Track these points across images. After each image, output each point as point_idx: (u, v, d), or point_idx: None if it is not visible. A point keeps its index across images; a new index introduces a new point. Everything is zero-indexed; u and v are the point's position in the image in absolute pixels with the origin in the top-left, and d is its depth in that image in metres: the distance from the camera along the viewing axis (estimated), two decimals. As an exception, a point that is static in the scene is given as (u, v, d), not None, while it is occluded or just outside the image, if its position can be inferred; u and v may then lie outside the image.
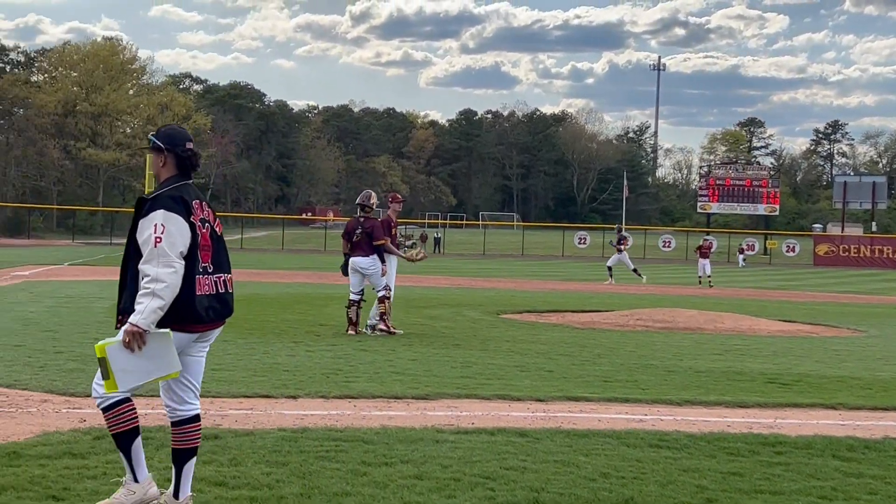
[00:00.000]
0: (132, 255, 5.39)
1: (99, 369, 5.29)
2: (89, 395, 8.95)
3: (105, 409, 5.45)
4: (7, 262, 37.09)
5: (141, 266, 5.32)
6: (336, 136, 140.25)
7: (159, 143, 5.59)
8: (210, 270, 5.57)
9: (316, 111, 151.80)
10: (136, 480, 5.56)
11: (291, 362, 11.73)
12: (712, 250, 45.12)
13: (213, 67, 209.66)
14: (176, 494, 5.57)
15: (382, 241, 15.30)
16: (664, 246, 77.08)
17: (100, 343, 5.28)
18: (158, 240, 5.29)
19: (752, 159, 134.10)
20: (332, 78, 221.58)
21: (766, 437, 8.17)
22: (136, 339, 5.21)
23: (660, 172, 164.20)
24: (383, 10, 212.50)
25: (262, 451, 6.93)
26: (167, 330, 5.30)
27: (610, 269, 38.48)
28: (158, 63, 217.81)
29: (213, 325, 5.72)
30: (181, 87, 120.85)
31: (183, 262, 5.35)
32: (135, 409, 5.48)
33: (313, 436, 7.55)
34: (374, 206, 15.89)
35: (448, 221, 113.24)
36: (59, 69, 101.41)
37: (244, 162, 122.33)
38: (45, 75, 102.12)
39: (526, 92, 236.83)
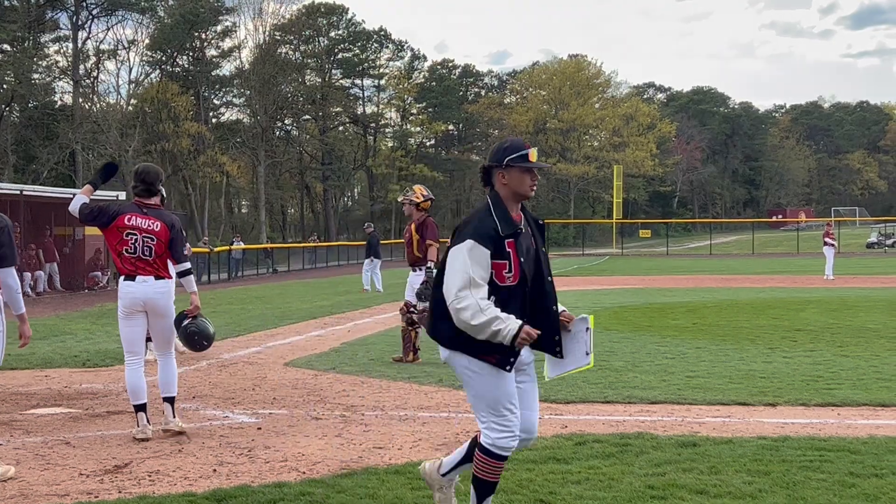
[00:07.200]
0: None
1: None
2: (570, 402, 9.30)
3: None
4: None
5: None
6: (805, 134, 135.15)
7: None
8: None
9: (783, 110, 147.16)
10: None
11: (768, 369, 11.40)
12: None
13: (676, 74, 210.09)
14: None
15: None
16: None
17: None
18: None
19: None
20: (798, 75, 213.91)
21: None
22: None
23: None
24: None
25: (743, 460, 6.78)
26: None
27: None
28: (622, 76, 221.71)
29: None
30: (645, 96, 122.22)
31: None
32: None
33: (795, 445, 7.28)
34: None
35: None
36: (529, 89, 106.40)
37: (710, 167, 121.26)
38: (517, 96, 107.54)
39: None
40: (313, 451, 7.33)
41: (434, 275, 12.40)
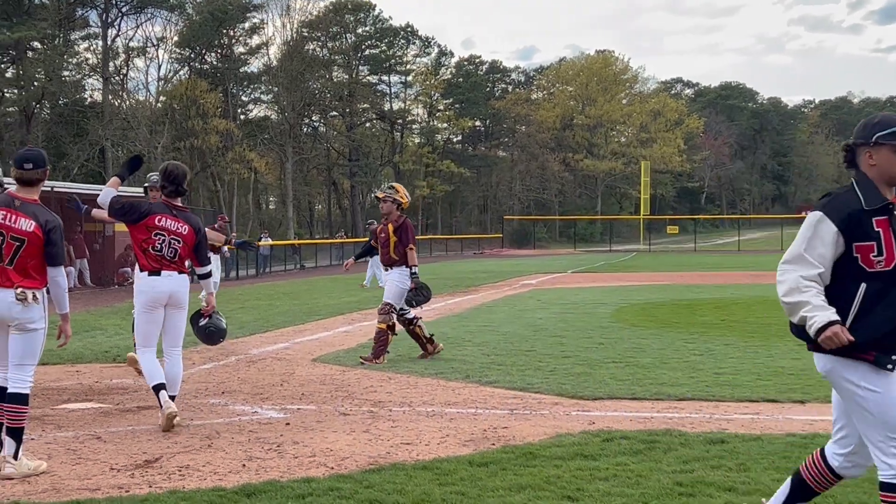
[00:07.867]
0: None
1: None
2: (597, 398, 9.27)
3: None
4: (516, 272, 39.45)
5: None
6: (835, 129, 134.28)
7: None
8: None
9: (812, 105, 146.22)
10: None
11: (797, 365, 11.33)
12: None
13: (704, 70, 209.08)
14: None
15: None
16: None
17: None
18: None
19: None
20: (827, 70, 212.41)
21: None
22: None
23: None
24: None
25: (772, 457, 6.75)
26: None
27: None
28: (649, 71, 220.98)
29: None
30: (672, 92, 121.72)
31: None
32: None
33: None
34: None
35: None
36: (556, 85, 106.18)
37: (738, 162, 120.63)
38: (544, 92, 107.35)
39: None
40: (341, 447, 7.36)
41: (419, 279, 12.56)
